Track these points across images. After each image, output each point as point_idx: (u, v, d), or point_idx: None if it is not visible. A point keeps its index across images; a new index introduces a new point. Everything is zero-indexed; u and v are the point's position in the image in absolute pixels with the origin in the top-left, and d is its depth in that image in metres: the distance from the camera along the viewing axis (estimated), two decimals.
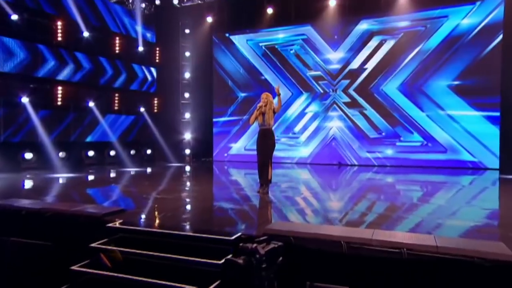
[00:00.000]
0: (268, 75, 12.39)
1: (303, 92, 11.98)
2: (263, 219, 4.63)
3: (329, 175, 9.28)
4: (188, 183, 8.02)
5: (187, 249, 3.55)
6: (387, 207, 5.27)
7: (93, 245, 3.80)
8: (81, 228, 4.34)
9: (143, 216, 4.74)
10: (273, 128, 5.87)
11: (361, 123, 11.18)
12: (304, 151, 11.97)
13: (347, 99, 11.41)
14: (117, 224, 4.17)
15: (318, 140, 11.82)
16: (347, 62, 11.36)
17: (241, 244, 3.15)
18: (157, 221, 4.51)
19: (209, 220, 4.66)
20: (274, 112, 5.72)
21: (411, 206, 5.35)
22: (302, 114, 12.02)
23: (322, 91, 11.72)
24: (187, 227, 4.20)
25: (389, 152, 10.80)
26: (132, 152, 12.54)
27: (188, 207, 5.34)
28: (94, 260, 3.48)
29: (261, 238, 3.27)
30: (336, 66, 11.48)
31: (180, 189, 6.95)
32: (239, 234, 3.68)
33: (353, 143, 11.28)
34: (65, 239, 4.24)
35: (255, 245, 3.02)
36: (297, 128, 12.03)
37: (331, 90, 11.58)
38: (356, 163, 11.21)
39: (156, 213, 4.91)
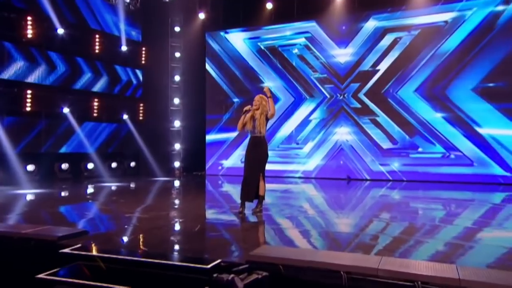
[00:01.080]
0: (268, 78, 12.37)
1: (307, 97, 11.93)
2: (251, 243, 4.39)
3: (336, 191, 9.22)
4: (172, 200, 7.94)
5: (155, 280, 3.29)
6: (403, 229, 5.09)
7: (40, 276, 3.45)
8: (31, 254, 4.06)
9: (108, 239, 4.53)
10: (265, 136, 5.73)
11: (373, 132, 11.09)
12: (309, 164, 11.88)
13: (357, 105, 11.32)
14: (72, 249, 3.86)
15: (324, 151, 11.72)
16: (357, 63, 11.29)
17: (215, 275, 2.84)
18: (124, 245, 4.32)
19: (186, 243, 4.44)
20: (267, 118, 5.58)
21: (431, 228, 5.17)
22: (306, 122, 11.95)
23: (328, 96, 11.67)
24: (158, 252, 3.95)
25: (405, 165, 10.70)
26: (114, 165, 12.42)
27: (165, 228, 5.18)
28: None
29: (242, 267, 2.95)
30: (345, 68, 11.43)
31: (161, 207, 6.79)
32: (217, 261, 3.35)
33: (364, 155, 11.18)
34: (9, 269, 3.98)
35: (232, 276, 2.70)
36: (300, 138, 11.97)
37: (338, 94, 11.51)
38: (367, 177, 11.09)
39: (125, 235, 4.70)
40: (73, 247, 3.91)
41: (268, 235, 4.86)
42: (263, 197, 5.68)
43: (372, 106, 11.09)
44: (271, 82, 12.26)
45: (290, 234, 4.84)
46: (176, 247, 4.32)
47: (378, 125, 10.97)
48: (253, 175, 5.48)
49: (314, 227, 5.24)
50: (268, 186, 9.50)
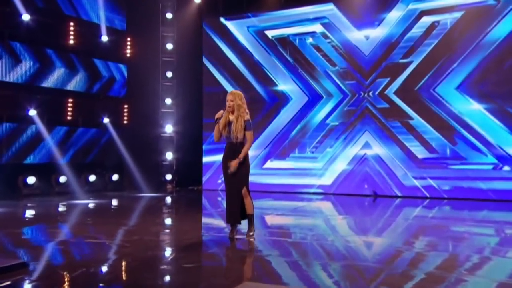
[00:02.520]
0: (277, 74, 12.26)
1: (324, 96, 11.78)
2: (233, 278, 4.18)
3: (359, 211, 9.27)
4: (156, 221, 7.87)
5: None
6: (442, 262, 4.92)
7: None
8: None
9: (48, 276, 4.29)
10: (244, 141, 5.67)
11: (406, 138, 10.88)
12: (326, 178, 11.72)
13: (385, 105, 11.11)
14: None
15: (344, 162, 11.54)
16: (385, 53, 11.08)
17: None
18: (66, 282, 4.11)
19: (152, 278, 4.19)
20: (246, 125, 5.55)
21: (479, 261, 4.99)
22: (322, 126, 11.79)
23: (350, 94, 11.50)
24: None
25: (446, 178, 10.50)
26: (92, 178, 12.21)
27: (133, 257, 5.01)
28: None
29: None
30: (369, 60, 11.26)
31: (138, 231, 6.71)
32: None
33: (395, 166, 11.00)
34: None
35: None
36: (316, 146, 11.85)
37: (362, 92, 11.33)
38: (398, 193, 10.90)
39: (74, 270, 4.45)
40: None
41: (258, 268, 4.73)
42: (252, 216, 5.68)
43: (403, 106, 10.92)
44: (280, 79, 12.22)
45: (288, 266, 4.67)
46: (139, 283, 4.09)
47: (411, 129, 10.80)
48: (235, 190, 5.55)
49: (325, 257, 5.13)
50: (276, 203, 10.24)
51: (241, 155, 5.50)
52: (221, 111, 5.66)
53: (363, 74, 11.31)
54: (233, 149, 5.61)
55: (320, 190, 11.70)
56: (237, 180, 5.56)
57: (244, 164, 5.59)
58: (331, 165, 11.66)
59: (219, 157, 12.58)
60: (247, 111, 5.62)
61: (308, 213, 8.99)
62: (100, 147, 12.74)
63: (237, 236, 5.78)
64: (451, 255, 5.20)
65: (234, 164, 5.49)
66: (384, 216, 8.49)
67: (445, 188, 10.54)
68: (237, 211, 5.61)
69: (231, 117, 5.57)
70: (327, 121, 11.72)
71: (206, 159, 12.97)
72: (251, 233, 5.70)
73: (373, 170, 11.19)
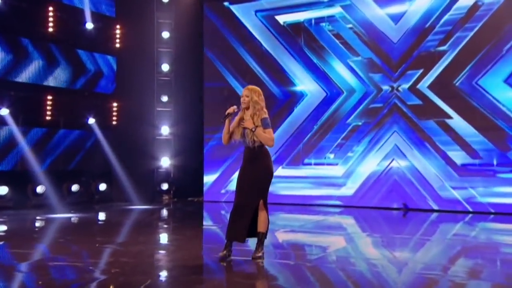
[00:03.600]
0: (289, 65, 12.19)
1: (344, 91, 11.68)
2: None
3: (387, 227, 9.24)
4: (146, 239, 7.80)
5: None
6: None
7: None
8: None
9: None
10: (264, 146, 5.61)
11: (442, 141, 10.71)
12: (347, 188, 11.65)
13: (417, 101, 10.97)
14: None
15: (369, 169, 11.43)
16: (417, 40, 10.94)
17: None
18: None
19: None
20: (263, 123, 5.49)
21: None
22: (342, 127, 11.68)
23: (375, 88, 11.38)
24: None
25: (494, 189, 10.29)
26: (75, 187, 12.16)
27: (112, 286, 5.00)
28: None
29: None
30: (398, 48, 11.16)
31: (124, 251, 6.65)
32: None
33: (429, 175, 10.85)
34: None
35: None
36: (335, 150, 11.77)
37: (390, 87, 11.20)
38: (434, 207, 10.75)
39: None
40: None
41: None
42: (264, 235, 5.61)
43: (439, 103, 10.73)
44: (293, 72, 12.17)
45: None
46: None
47: (449, 130, 10.62)
48: (248, 202, 5.49)
49: (347, 285, 5.10)
50: (288, 217, 10.31)
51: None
52: (234, 107, 5.59)
53: (391, 65, 11.21)
54: (251, 156, 5.55)
55: (340, 202, 11.66)
56: (254, 189, 5.49)
57: (266, 172, 5.55)
58: (354, 173, 11.61)
59: (222, 164, 12.58)
60: (265, 109, 5.53)
61: (326, 229, 9.05)
62: (85, 152, 12.69)
63: (238, 258, 5.71)
64: (499, 285, 5.07)
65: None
66: (416, 234, 8.43)
67: (491, 201, 10.36)
68: (244, 227, 5.51)
69: (246, 116, 5.52)
70: (349, 120, 11.64)
71: (208, 165, 12.93)
72: (259, 254, 5.56)
73: (403, 179, 11.07)
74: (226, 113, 5.56)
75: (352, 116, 11.55)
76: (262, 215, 5.52)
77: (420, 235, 8.25)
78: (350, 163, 11.56)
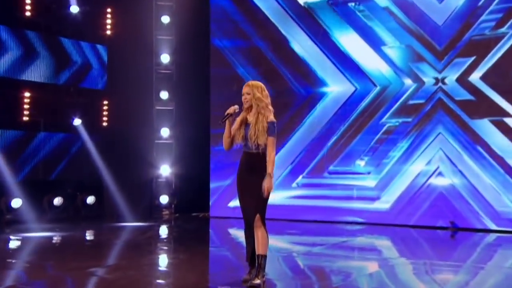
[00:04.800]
0: (311, 55, 12.05)
1: (377, 84, 11.50)
2: None
3: (431, 251, 9.06)
4: (140, 264, 7.67)
5: None
6: None
7: None
8: None
9: None
10: (265, 151, 5.63)
11: (499, 144, 10.48)
12: (381, 202, 11.48)
13: (468, 96, 10.79)
14: None
15: (408, 179, 11.23)
16: (467, 23, 10.77)
17: None
18: None
19: None
20: (269, 122, 5.52)
21: None
22: (375, 128, 11.52)
23: (416, 81, 11.23)
24: None
25: None
26: (57, 201, 12.06)
27: None
28: None
29: None
30: (444, 32, 10.97)
31: (113, 279, 6.58)
32: None
33: (484, 186, 10.60)
34: None
35: None
36: (366, 157, 11.62)
37: (433, 78, 11.03)
38: (490, 226, 10.49)
39: None
40: None
41: None
42: (263, 258, 5.55)
43: (495, 97, 10.50)
44: (316, 62, 11.99)
45: None
46: None
47: (508, 132, 10.42)
48: (251, 216, 5.57)
49: None
50: (308, 238, 10.27)
51: (270, 169, 5.46)
52: (235, 106, 5.60)
53: (435, 53, 11.05)
54: (252, 162, 5.58)
55: (372, 220, 11.48)
56: (254, 201, 5.54)
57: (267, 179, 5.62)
58: (389, 184, 11.44)
59: (233, 172, 12.72)
60: (270, 108, 5.55)
61: (354, 252, 8.93)
62: (70, 158, 12.63)
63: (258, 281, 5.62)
64: None
65: (268, 185, 5.43)
66: (467, 260, 8.18)
67: None
68: (251, 246, 5.64)
69: (249, 117, 5.57)
70: (383, 120, 11.48)
71: (215, 174, 12.85)
72: (257, 282, 5.46)
73: (450, 192, 10.88)
74: (226, 113, 5.57)
75: (387, 115, 11.40)
76: (259, 233, 5.49)
77: (472, 262, 8.04)
78: (384, 172, 11.41)
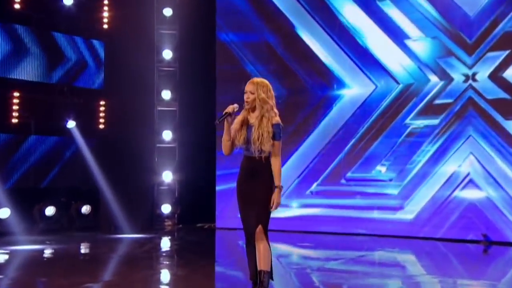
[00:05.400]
0: (327, 50, 11.91)
1: (400, 82, 11.41)
2: None
3: (463, 267, 9.04)
4: (138, 281, 7.64)
5: None
6: None
7: None
8: None
9: None
10: (269, 156, 5.56)
11: None
12: (405, 212, 11.32)
13: (502, 94, 10.62)
14: None
15: (435, 186, 11.05)
16: (501, 12, 10.55)
17: None
18: None
19: None
20: (274, 125, 5.44)
21: None
22: (397, 130, 11.41)
23: (443, 78, 11.06)
24: None
25: None
26: (50, 211, 11.99)
27: None
28: None
29: None
30: (475, 23, 10.81)
31: None
32: None
33: None
34: None
35: None
36: (388, 162, 11.49)
37: (462, 75, 10.86)
38: None
39: None
40: None
41: None
42: (268, 275, 5.49)
43: None
44: (332, 57, 11.84)
45: None
46: None
47: None
48: (250, 223, 5.50)
49: None
50: (322, 252, 10.28)
51: (278, 180, 5.41)
52: (234, 105, 5.50)
53: (465, 46, 10.90)
54: (254, 168, 5.49)
55: (394, 232, 11.29)
56: (255, 210, 5.44)
57: (268, 191, 5.46)
58: (414, 192, 11.27)
59: None
60: (275, 110, 5.45)
61: (375, 267, 8.84)
62: (63, 164, 12.61)
63: None
64: None
65: (278, 200, 5.37)
66: (502, 278, 7.97)
67: None
68: (254, 263, 5.54)
69: (251, 118, 5.46)
70: (406, 121, 11.35)
71: (222, 181, 12.64)
72: None
73: (482, 201, 10.70)
74: (224, 113, 5.41)
75: (411, 116, 11.27)
76: (261, 246, 5.37)
77: (508, 281, 7.87)
78: (408, 179, 11.26)
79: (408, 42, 11.29)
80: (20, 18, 11.68)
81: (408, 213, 11.20)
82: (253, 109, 5.46)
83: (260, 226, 5.41)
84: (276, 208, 5.46)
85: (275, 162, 5.48)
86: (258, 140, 5.35)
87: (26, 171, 11.99)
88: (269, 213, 5.52)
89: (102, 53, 13.01)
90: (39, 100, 11.95)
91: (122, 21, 12.77)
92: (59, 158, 12.47)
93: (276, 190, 5.43)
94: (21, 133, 11.84)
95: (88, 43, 12.82)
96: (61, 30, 12.26)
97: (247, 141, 5.44)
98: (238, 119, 5.52)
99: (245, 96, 5.46)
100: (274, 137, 5.42)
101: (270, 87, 5.52)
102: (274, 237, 10.60)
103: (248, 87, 5.47)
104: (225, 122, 5.47)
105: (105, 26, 12.84)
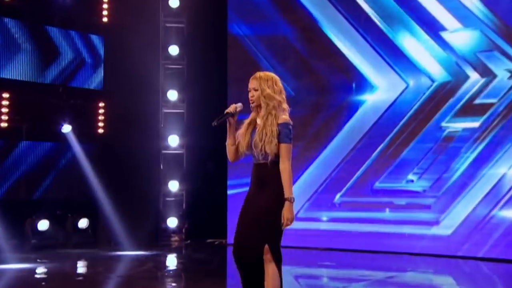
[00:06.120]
0: (352, 45, 11.80)
1: (434, 79, 11.25)
2: None
3: None
4: None
5: None
6: None
7: None
8: None
9: None
10: (277, 161, 5.29)
11: None
12: (441, 227, 11.03)
13: None
14: None
15: (476, 199, 10.77)
16: None
17: None
18: None
19: None
20: (281, 125, 5.21)
21: None
22: (432, 134, 11.24)
23: (484, 75, 10.83)
24: None
25: None
26: (43, 225, 11.82)
27: None
28: None
29: None
30: None
31: None
32: None
33: None
34: None
35: None
36: (422, 168, 11.23)
37: (507, 71, 10.63)
38: None
39: None
40: None
41: None
42: None
43: None
44: (357, 53, 11.70)
45: None
46: None
47: None
48: (251, 245, 5.16)
49: None
50: (346, 272, 10.43)
51: (288, 191, 5.07)
52: (238, 104, 5.26)
53: (511, 39, 10.71)
54: (260, 177, 5.25)
55: (428, 250, 11.06)
56: (260, 226, 5.14)
57: (277, 202, 5.12)
58: (451, 205, 11.04)
59: None
60: (285, 106, 5.21)
61: None
62: (58, 173, 12.57)
63: None
64: None
65: (289, 215, 5.03)
66: None
67: None
68: (251, 283, 5.28)
69: (259, 119, 5.27)
70: (443, 124, 11.15)
71: (234, 192, 12.43)
72: None
73: None
74: (225, 112, 5.19)
75: (448, 118, 11.11)
76: (270, 270, 5.07)
77: None
78: (444, 190, 11.04)
79: (444, 35, 11.06)
80: (10, 11, 11.63)
81: (445, 229, 10.94)
82: (260, 108, 5.25)
83: (267, 246, 5.09)
84: (288, 225, 5.17)
85: (283, 168, 5.18)
86: (260, 141, 5.10)
87: (17, 181, 11.92)
88: (280, 230, 5.20)
89: (101, 49, 12.93)
90: (31, 101, 11.86)
91: (124, 14, 12.73)
92: (53, 166, 12.42)
93: (286, 204, 5.15)
94: (11, 138, 11.79)
95: (85, 38, 12.73)
96: (56, 24, 12.20)
97: (250, 146, 5.21)
98: (246, 121, 5.31)
99: (249, 95, 5.26)
100: (280, 138, 5.14)
101: (277, 79, 5.26)
102: (291, 255, 10.22)
103: (251, 83, 5.25)
104: (228, 124, 5.28)
105: (105, 19, 12.75)
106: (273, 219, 5.10)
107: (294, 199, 5.17)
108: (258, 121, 5.22)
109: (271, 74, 5.24)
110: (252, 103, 5.20)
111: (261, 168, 5.19)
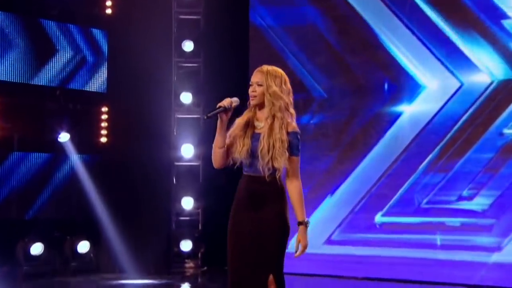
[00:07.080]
0: (396, 38, 11.55)
1: (492, 79, 10.88)
2: None
3: None
4: None
5: None
6: None
7: None
8: None
9: None
10: (281, 177, 5.29)
11: None
12: (504, 254, 10.56)
13: None
14: None
15: None
16: None
17: None
18: None
19: None
20: (290, 133, 5.13)
21: None
22: (491, 142, 10.79)
23: None
24: None
25: None
26: (37, 248, 11.74)
27: None
28: None
29: None
30: None
31: None
32: None
33: None
34: None
35: None
36: (479, 183, 10.81)
37: None
38: None
39: None
40: None
41: None
42: None
43: None
44: (403, 48, 11.37)
45: None
46: None
47: None
48: (249, 274, 5.20)
49: None
50: None
51: (301, 213, 5.09)
52: (233, 99, 5.14)
53: None
54: (259, 193, 5.15)
55: (489, 280, 10.55)
56: (260, 252, 5.12)
57: (281, 224, 5.18)
58: None
59: None
60: (292, 111, 5.17)
61: None
62: (54, 188, 12.48)
63: None
64: None
65: (306, 241, 5.09)
66: None
67: None
68: None
69: (259, 121, 5.18)
70: (505, 130, 10.76)
71: None
72: None
73: None
74: (217, 106, 5.04)
75: (511, 123, 10.53)
76: None
77: None
78: (508, 208, 10.55)
79: (506, 23, 10.61)
80: (2, 3, 11.77)
81: (509, 255, 10.45)
82: (261, 107, 5.07)
83: (271, 277, 5.01)
84: (302, 253, 5.11)
85: (294, 186, 5.12)
86: (268, 153, 4.94)
87: (6, 198, 11.96)
88: (283, 257, 5.16)
89: (104, 46, 13.01)
90: (23, 106, 12.00)
91: (130, 4, 12.77)
92: (49, 181, 12.41)
93: (301, 228, 5.06)
94: (0, 149, 11.89)
95: (86, 33, 12.80)
96: (53, 17, 12.28)
97: (252, 154, 5.01)
98: (240, 122, 5.12)
99: (250, 90, 5.09)
100: (291, 151, 5.02)
101: (287, 79, 5.14)
102: (323, 285, 10.00)
103: (255, 76, 5.08)
104: (219, 121, 5.05)
105: (108, 10, 12.81)
106: (280, 245, 5.07)
107: (309, 222, 5.11)
108: (258, 123, 5.10)
109: (281, 71, 5.13)
110: (253, 99, 5.04)
111: (259, 183, 5.03)
